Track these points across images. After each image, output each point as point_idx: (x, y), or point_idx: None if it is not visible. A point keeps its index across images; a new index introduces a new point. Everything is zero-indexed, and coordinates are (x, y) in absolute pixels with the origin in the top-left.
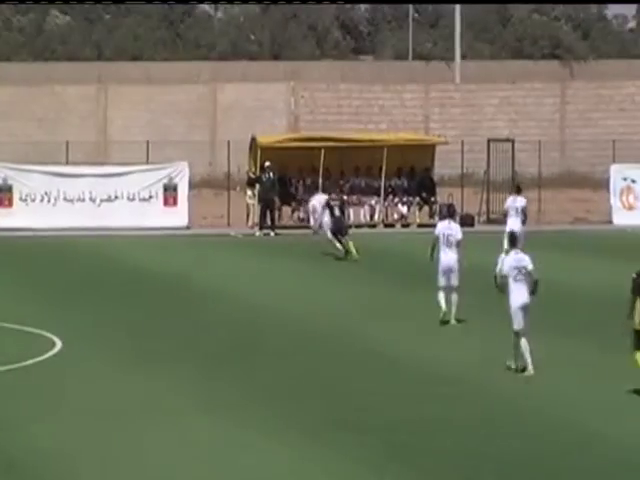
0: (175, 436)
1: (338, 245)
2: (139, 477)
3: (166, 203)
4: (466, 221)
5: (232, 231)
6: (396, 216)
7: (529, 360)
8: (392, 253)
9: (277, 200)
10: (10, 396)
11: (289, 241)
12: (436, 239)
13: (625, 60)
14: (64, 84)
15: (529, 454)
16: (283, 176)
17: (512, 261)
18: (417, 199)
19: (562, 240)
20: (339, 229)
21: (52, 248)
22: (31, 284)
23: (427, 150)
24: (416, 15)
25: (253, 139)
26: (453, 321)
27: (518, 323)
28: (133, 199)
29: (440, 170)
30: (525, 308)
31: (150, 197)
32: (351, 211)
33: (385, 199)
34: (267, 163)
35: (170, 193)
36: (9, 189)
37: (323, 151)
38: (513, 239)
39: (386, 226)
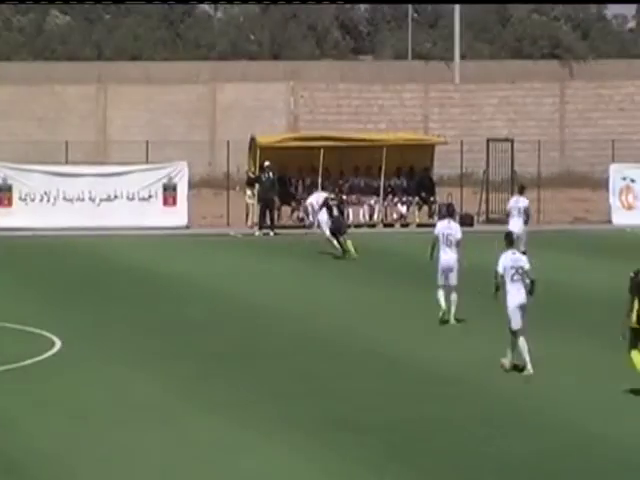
0: (175, 436)
1: (336, 244)
2: (139, 477)
3: (166, 203)
4: (465, 221)
5: (231, 231)
6: (395, 216)
7: (528, 359)
8: (391, 253)
9: (277, 200)
10: (9, 396)
11: (288, 241)
12: (436, 239)
13: (625, 60)
14: (64, 84)
15: (529, 454)
16: (283, 176)
17: (509, 261)
18: (416, 199)
19: (561, 240)
20: (337, 228)
21: (51, 248)
22: (31, 284)
23: (426, 150)
24: (415, 15)
25: (253, 139)
26: (453, 321)
27: (516, 323)
28: (133, 199)
29: (439, 170)
30: (522, 308)
31: (150, 197)
32: (350, 211)
33: (384, 199)
34: (266, 163)
35: (170, 193)
36: (9, 189)
37: (322, 151)
38: (510, 239)
39: (385, 226)
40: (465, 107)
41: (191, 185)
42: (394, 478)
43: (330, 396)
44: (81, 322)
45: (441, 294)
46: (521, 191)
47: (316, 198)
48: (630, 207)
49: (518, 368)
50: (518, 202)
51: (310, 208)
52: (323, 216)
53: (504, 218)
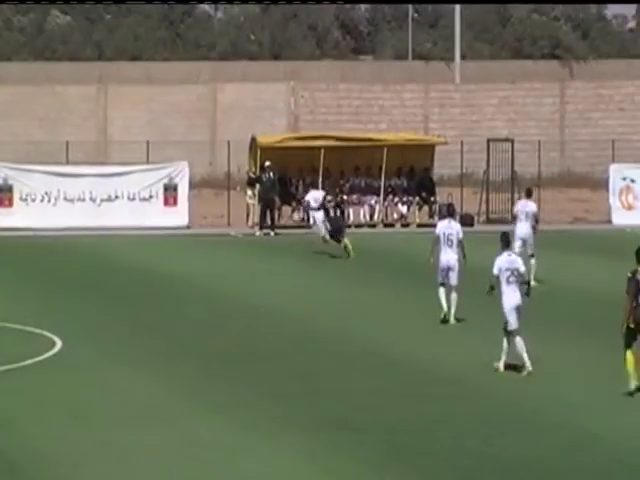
0: (175, 436)
1: (333, 243)
2: (139, 477)
3: (166, 203)
4: (466, 221)
5: (232, 231)
6: (396, 216)
7: (526, 357)
8: (392, 253)
9: (277, 200)
10: (9, 396)
11: (289, 241)
12: (437, 239)
13: (625, 60)
14: (65, 84)
15: (529, 454)
16: (283, 176)
17: (504, 263)
18: (417, 199)
19: (561, 240)
20: (336, 229)
21: (52, 248)
22: (31, 284)
23: (427, 150)
24: (416, 15)
25: (253, 139)
26: (453, 320)
27: (512, 323)
28: (133, 199)
29: (440, 170)
30: (518, 309)
31: (150, 197)
32: (351, 211)
33: (385, 199)
34: (267, 163)
35: (170, 193)
36: (9, 189)
37: (323, 151)
38: (506, 240)
39: (386, 226)
40: (465, 107)
41: (192, 185)
42: (394, 478)
43: (330, 396)
44: (82, 322)
45: (442, 292)
46: (528, 195)
47: (313, 196)
48: (630, 207)
49: (516, 368)
50: (526, 206)
51: (306, 205)
52: (319, 215)
53: (505, 218)
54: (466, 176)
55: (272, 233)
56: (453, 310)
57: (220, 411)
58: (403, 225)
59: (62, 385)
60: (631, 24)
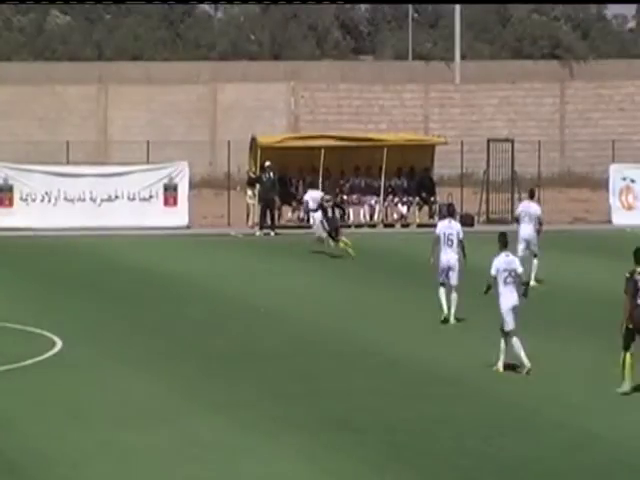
0: (175, 436)
1: (331, 243)
2: (139, 477)
3: (166, 203)
4: (466, 221)
5: (232, 231)
6: (396, 216)
7: (523, 356)
8: (392, 253)
9: (277, 200)
10: (10, 396)
11: (289, 241)
12: (437, 239)
13: (625, 60)
14: (65, 84)
15: (529, 454)
16: (283, 176)
17: (502, 263)
18: (417, 199)
19: (561, 240)
20: (333, 229)
21: (52, 248)
22: (32, 284)
23: (427, 150)
24: (416, 15)
25: (253, 139)
26: (453, 320)
27: (509, 324)
28: (133, 199)
29: (440, 170)
30: (515, 310)
31: (150, 197)
32: (351, 211)
33: (385, 199)
34: (267, 163)
35: (170, 193)
36: (10, 189)
37: (323, 151)
38: (504, 240)
39: (386, 226)
40: (465, 107)
41: (192, 185)
42: (394, 478)
43: (330, 396)
44: (82, 322)
45: (442, 293)
46: (531, 196)
47: (311, 196)
48: (630, 207)
49: (515, 368)
50: (529, 208)
51: (305, 205)
52: (318, 215)
53: (505, 218)
54: (466, 176)
55: (272, 233)
56: (453, 310)
57: (220, 411)
58: (403, 225)
59: (62, 385)
60: (631, 24)
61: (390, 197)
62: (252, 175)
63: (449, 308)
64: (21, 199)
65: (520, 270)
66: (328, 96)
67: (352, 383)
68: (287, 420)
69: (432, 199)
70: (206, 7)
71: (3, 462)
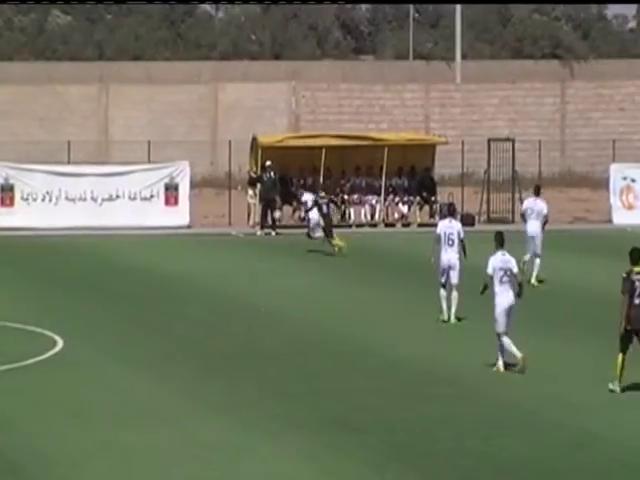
0: (175, 436)
1: (321, 240)
2: (139, 478)
3: (167, 202)
4: (466, 221)
5: (233, 230)
6: (397, 215)
7: (515, 349)
8: (393, 253)
9: (278, 200)
10: (10, 396)
11: (290, 240)
12: (437, 238)
13: (625, 60)
14: (66, 84)
15: (529, 454)
16: (284, 176)
17: (498, 262)
18: (418, 199)
19: (562, 239)
20: (327, 225)
21: (53, 248)
22: (33, 283)
23: (427, 150)
24: (417, 15)
25: (254, 139)
26: (453, 319)
27: (501, 325)
28: (134, 198)
29: (440, 170)
30: (510, 309)
31: (151, 196)
32: (352, 210)
33: (386, 199)
34: (268, 162)
35: (171, 192)
36: (11, 188)
37: (324, 150)
38: (500, 239)
39: (387, 225)
40: (466, 107)
41: (193, 185)
42: (395, 478)
43: (330, 396)
44: (83, 321)
45: (443, 294)
46: (537, 192)
47: (308, 197)
48: (631, 207)
49: (512, 366)
50: (536, 205)
51: (305, 205)
52: (315, 215)
53: (505, 218)
54: (467, 176)
55: (273, 233)
56: (454, 309)
57: (220, 411)
58: (404, 225)
59: (63, 385)
60: (631, 24)
61: (391, 197)
62: (253, 175)
63: (449, 308)
64: (22, 199)
65: (516, 269)
66: (329, 96)
67: (352, 383)
68: (288, 420)
69: (433, 199)
70: (207, 7)
71: (3, 462)
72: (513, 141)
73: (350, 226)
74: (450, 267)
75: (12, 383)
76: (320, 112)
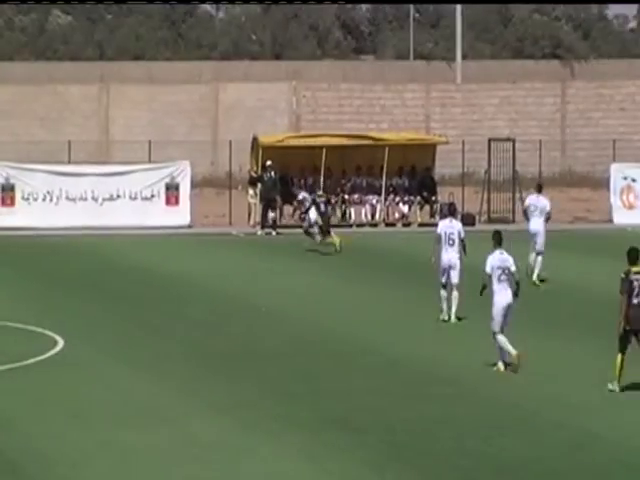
0: (175, 436)
1: (318, 238)
2: (139, 478)
3: (168, 202)
4: (467, 220)
5: (234, 230)
6: (397, 215)
7: (510, 347)
8: (393, 252)
9: (279, 199)
10: (11, 396)
11: (290, 240)
12: (438, 238)
13: (626, 60)
14: (66, 84)
15: (529, 454)
16: (285, 175)
17: (497, 261)
18: (418, 198)
19: (562, 239)
20: (325, 223)
21: (54, 247)
22: (33, 283)
23: (428, 149)
24: (417, 15)
25: (255, 138)
26: (454, 319)
27: (497, 324)
28: (135, 198)
29: (441, 169)
30: (508, 308)
31: (152, 196)
32: (352, 210)
33: (386, 198)
34: (268, 162)
35: (172, 192)
36: (11, 188)
37: (324, 150)
38: (498, 238)
39: (387, 225)
40: (466, 107)
41: (193, 184)
42: (395, 478)
43: (331, 396)
44: (83, 321)
45: (444, 295)
46: (539, 190)
47: (304, 196)
48: (631, 206)
49: (509, 365)
50: (539, 202)
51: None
52: (312, 215)
53: (506, 218)
54: (467, 175)
55: (274, 232)
56: (454, 309)
57: (221, 411)
58: (404, 225)
59: (63, 384)
60: (632, 24)
61: (391, 196)
62: (253, 174)
63: (449, 308)
64: (23, 198)
65: (514, 268)
66: (329, 96)
67: (352, 383)
68: (288, 420)
69: (433, 198)
70: (208, 7)
71: (3, 462)
72: (514, 141)
73: (351, 226)
74: (450, 267)
75: (12, 383)
76: (321, 112)
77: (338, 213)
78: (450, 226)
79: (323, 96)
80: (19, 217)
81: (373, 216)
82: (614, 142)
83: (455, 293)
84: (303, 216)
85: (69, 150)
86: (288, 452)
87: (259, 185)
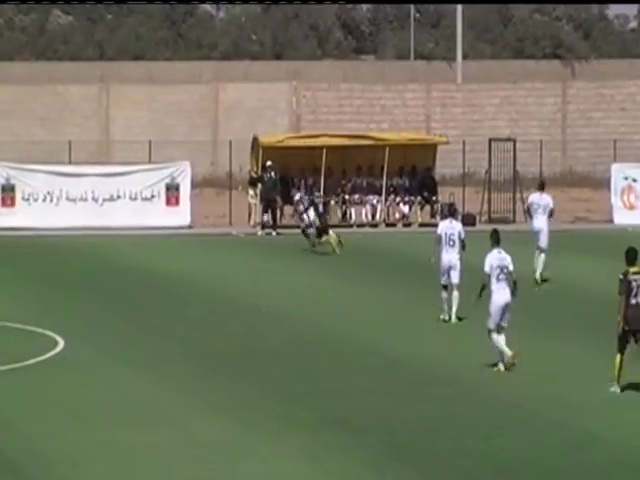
0: (175, 436)
1: (314, 239)
2: (139, 478)
3: (168, 202)
4: (468, 220)
5: (234, 230)
6: (398, 215)
7: (505, 348)
8: (393, 253)
9: (279, 200)
10: (11, 396)
11: (291, 240)
12: (438, 238)
13: (626, 60)
14: (66, 84)
15: (529, 454)
16: (285, 176)
17: (495, 260)
18: (419, 198)
19: (563, 239)
20: (323, 223)
21: (54, 248)
22: (33, 283)
23: (429, 149)
24: (418, 15)
25: (255, 139)
26: (454, 319)
27: (493, 322)
28: (135, 198)
29: (441, 169)
30: (507, 307)
31: (152, 196)
32: (353, 210)
33: (387, 198)
34: (269, 162)
35: (172, 192)
36: (12, 188)
37: (325, 150)
38: (496, 237)
39: (388, 225)
40: (467, 107)
41: (194, 185)
42: (395, 478)
43: (331, 396)
44: (84, 321)
45: (445, 296)
46: (542, 187)
47: (300, 197)
48: (632, 207)
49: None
50: (541, 199)
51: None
52: (311, 215)
53: (507, 218)
54: (468, 176)
55: (274, 233)
56: (455, 309)
57: (221, 411)
58: (405, 225)
59: (63, 385)
60: (633, 24)
61: (392, 197)
62: (254, 175)
63: (450, 308)
64: (23, 199)
65: (511, 267)
66: (330, 96)
67: (352, 383)
68: (288, 419)
69: (434, 199)
70: (208, 7)
71: (3, 462)
72: (514, 141)
73: (351, 226)
74: (451, 267)
75: (13, 383)
76: (321, 112)
77: (339, 213)
78: (450, 227)
79: (323, 96)
80: (19, 217)
81: (374, 216)
82: (615, 142)
83: (455, 293)
84: (303, 217)
85: (69, 150)
86: (288, 452)
87: (259, 185)
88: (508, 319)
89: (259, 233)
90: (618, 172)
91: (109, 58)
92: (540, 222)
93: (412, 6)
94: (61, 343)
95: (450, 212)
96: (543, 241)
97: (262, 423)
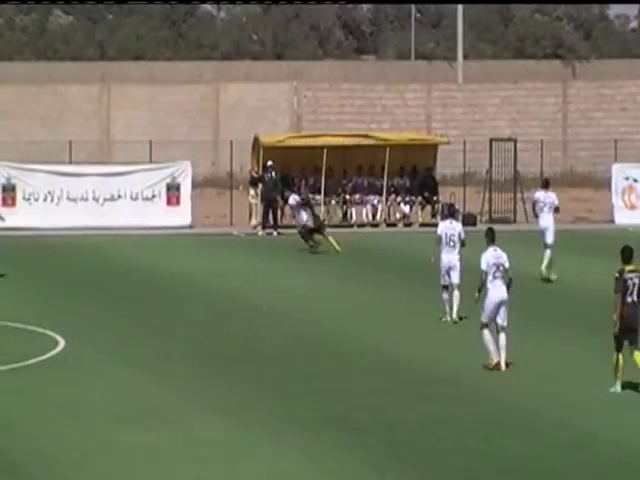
0: (176, 436)
1: (310, 242)
2: (140, 478)
3: (169, 202)
4: (468, 220)
5: (235, 230)
6: (398, 215)
7: (492, 348)
8: (394, 253)
9: (280, 199)
10: (11, 396)
11: (291, 240)
12: (438, 239)
13: (627, 60)
14: (67, 84)
15: (529, 454)
16: (286, 175)
17: (491, 257)
18: (419, 198)
19: (563, 239)
20: (317, 224)
21: (55, 248)
22: (34, 283)
23: (429, 149)
24: (418, 15)
25: (256, 138)
26: (455, 318)
27: (486, 316)
28: (136, 198)
29: (442, 169)
30: (503, 304)
31: (153, 196)
32: (353, 210)
33: (387, 198)
34: (269, 162)
35: (173, 192)
36: (12, 188)
37: (325, 150)
38: (491, 235)
39: (388, 225)
40: (468, 107)
41: (194, 185)
42: (395, 478)
43: (331, 396)
44: (84, 321)
45: (446, 297)
46: (546, 185)
47: (294, 198)
48: (633, 207)
49: (507, 365)
50: (547, 197)
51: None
52: (303, 216)
53: (507, 217)
54: (469, 175)
55: (275, 233)
56: (455, 309)
57: (221, 411)
58: (406, 225)
59: (64, 385)
60: (633, 24)
61: (393, 196)
62: (254, 175)
63: (451, 309)
64: (24, 199)
65: (507, 265)
66: (330, 96)
67: (353, 383)
68: (288, 419)
69: (435, 198)
70: (208, 7)
71: (4, 462)
72: (515, 141)
73: (352, 226)
74: (451, 268)
75: (13, 383)
76: (322, 112)
77: (339, 213)
78: (451, 227)
79: (324, 96)
80: (20, 217)
81: (374, 216)
82: (616, 142)
83: (456, 293)
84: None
85: (70, 150)
86: (288, 452)
87: (260, 185)
88: (507, 318)
89: (260, 233)
90: (619, 172)
91: (110, 58)
92: (546, 220)
93: (413, 6)
94: (62, 343)
95: (450, 212)
96: (549, 238)
97: (262, 423)
